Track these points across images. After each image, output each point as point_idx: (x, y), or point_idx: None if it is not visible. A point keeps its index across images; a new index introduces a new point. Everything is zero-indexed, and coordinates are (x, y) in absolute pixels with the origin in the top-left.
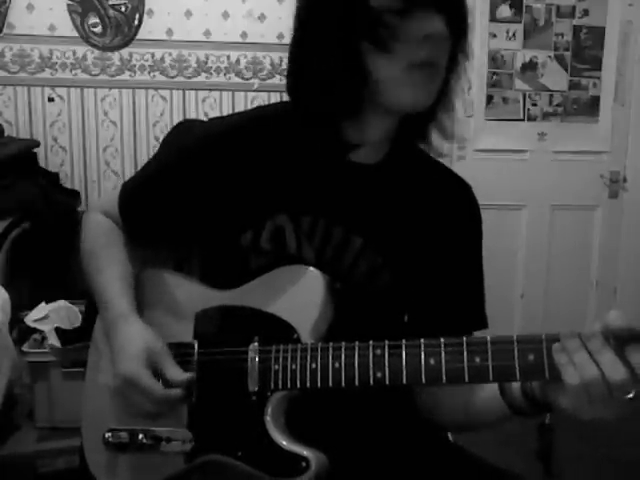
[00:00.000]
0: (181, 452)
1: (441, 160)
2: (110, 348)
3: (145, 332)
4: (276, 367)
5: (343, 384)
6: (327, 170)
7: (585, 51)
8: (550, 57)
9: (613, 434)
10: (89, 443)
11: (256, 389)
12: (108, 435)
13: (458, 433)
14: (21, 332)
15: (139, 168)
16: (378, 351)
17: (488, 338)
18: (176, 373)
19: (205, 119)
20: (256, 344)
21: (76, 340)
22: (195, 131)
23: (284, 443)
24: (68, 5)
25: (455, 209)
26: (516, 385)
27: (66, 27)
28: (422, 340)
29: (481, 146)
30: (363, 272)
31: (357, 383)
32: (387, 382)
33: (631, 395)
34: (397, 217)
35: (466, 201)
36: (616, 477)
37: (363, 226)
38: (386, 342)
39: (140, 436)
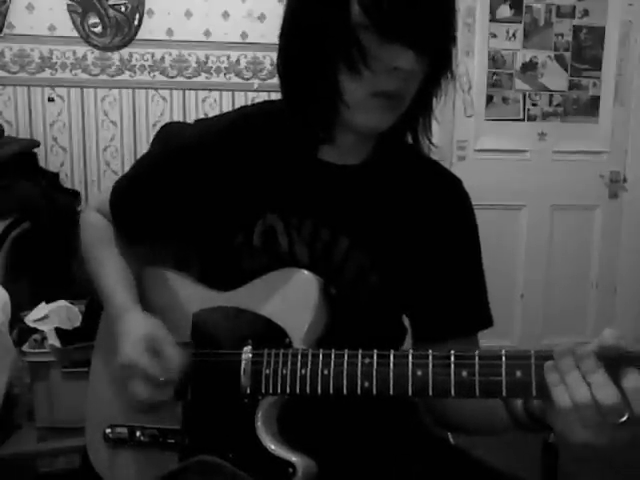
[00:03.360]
0: (176, 450)
1: (435, 158)
2: (114, 340)
3: (146, 320)
4: (267, 372)
5: (331, 391)
6: (312, 171)
7: (585, 51)
8: (550, 57)
9: None
10: (91, 438)
11: (247, 392)
12: (108, 431)
13: (465, 434)
14: (21, 332)
15: (130, 167)
16: (367, 360)
17: (477, 352)
18: (175, 353)
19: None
20: (249, 347)
21: (76, 340)
22: (184, 133)
23: (272, 447)
24: (68, 5)
25: (445, 205)
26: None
27: (66, 27)
28: (410, 351)
29: (481, 146)
30: (352, 272)
31: (345, 391)
32: (374, 392)
33: (623, 419)
34: (384, 217)
35: (456, 196)
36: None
37: (349, 227)
38: (375, 352)
39: (138, 433)
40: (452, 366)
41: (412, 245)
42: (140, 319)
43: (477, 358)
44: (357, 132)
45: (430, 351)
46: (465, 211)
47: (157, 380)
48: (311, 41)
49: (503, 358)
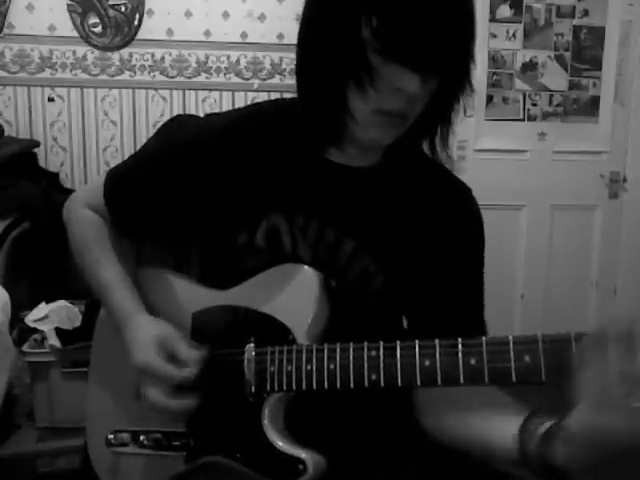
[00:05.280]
0: (181, 453)
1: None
2: (121, 345)
3: (154, 321)
4: (272, 369)
5: (338, 386)
6: (319, 171)
7: (585, 51)
8: (550, 57)
9: None
10: (93, 444)
11: (253, 391)
12: (111, 437)
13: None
14: (21, 332)
15: (126, 159)
16: (373, 352)
17: (483, 339)
18: (188, 351)
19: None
20: (252, 345)
21: (76, 340)
22: (191, 126)
23: (281, 445)
24: (68, 5)
25: (452, 214)
26: (535, 444)
27: (66, 27)
28: (417, 341)
29: (481, 146)
30: (356, 274)
31: (352, 385)
32: (382, 384)
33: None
34: (391, 221)
35: (464, 205)
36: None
37: (355, 229)
38: (381, 343)
39: (141, 437)
40: (460, 354)
41: (417, 251)
42: (148, 322)
43: (485, 345)
44: (360, 146)
45: (437, 340)
46: (473, 221)
47: (173, 382)
48: (322, 56)
49: (511, 344)
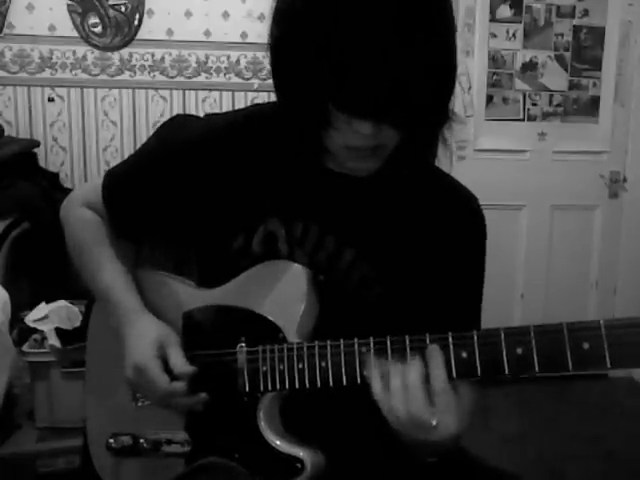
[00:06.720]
0: (181, 455)
1: (440, 165)
2: (122, 343)
3: (158, 324)
4: (264, 368)
5: (331, 383)
6: (320, 178)
7: (585, 51)
8: (550, 57)
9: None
10: (94, 447)
11: (246, 391)
12: (111, 440)
13: None
14: (21, 332)
15: (124, 160)
16: (364, 348)
17: (475, 332)
18: (179, 364)
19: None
20: (243, 345)
21: (76, 340)
22: (190, 126)
23: (278, 444)
24: (68, 5)
25: (453, 223)
26: None
27: (66, 27)
28: (407, 336)
29: (481, 146)
30: (355, 282)
31: (345, 382)
32: None
33: (434, 423)
34: (391, 230)
35: (466, 215)
36: (617, 474)
37: (355, 238)
38: (371, 339)
39: (141, 440)
40: (451, 347)
41: (417, 260)
42: (150, 323)
43: (475, 337)
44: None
45: (427, 334)
46: (474, 230)
47: (159, 391)
48: (290, 96)
49: (502, 335)
